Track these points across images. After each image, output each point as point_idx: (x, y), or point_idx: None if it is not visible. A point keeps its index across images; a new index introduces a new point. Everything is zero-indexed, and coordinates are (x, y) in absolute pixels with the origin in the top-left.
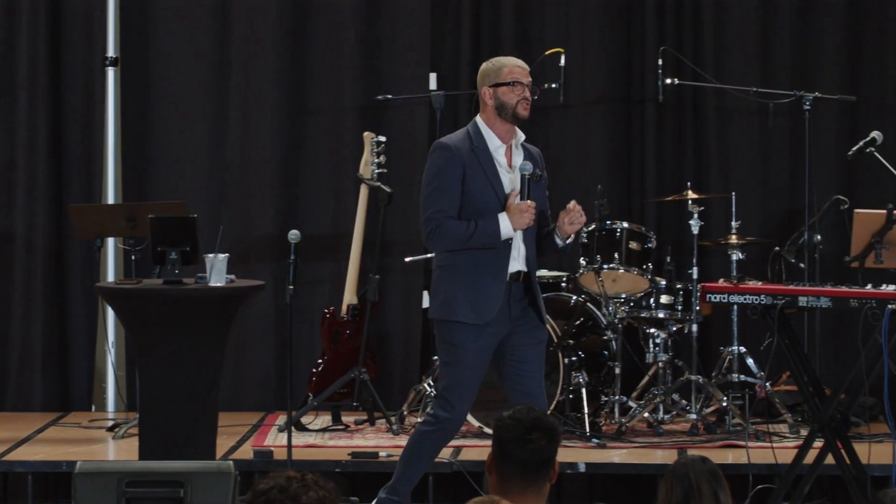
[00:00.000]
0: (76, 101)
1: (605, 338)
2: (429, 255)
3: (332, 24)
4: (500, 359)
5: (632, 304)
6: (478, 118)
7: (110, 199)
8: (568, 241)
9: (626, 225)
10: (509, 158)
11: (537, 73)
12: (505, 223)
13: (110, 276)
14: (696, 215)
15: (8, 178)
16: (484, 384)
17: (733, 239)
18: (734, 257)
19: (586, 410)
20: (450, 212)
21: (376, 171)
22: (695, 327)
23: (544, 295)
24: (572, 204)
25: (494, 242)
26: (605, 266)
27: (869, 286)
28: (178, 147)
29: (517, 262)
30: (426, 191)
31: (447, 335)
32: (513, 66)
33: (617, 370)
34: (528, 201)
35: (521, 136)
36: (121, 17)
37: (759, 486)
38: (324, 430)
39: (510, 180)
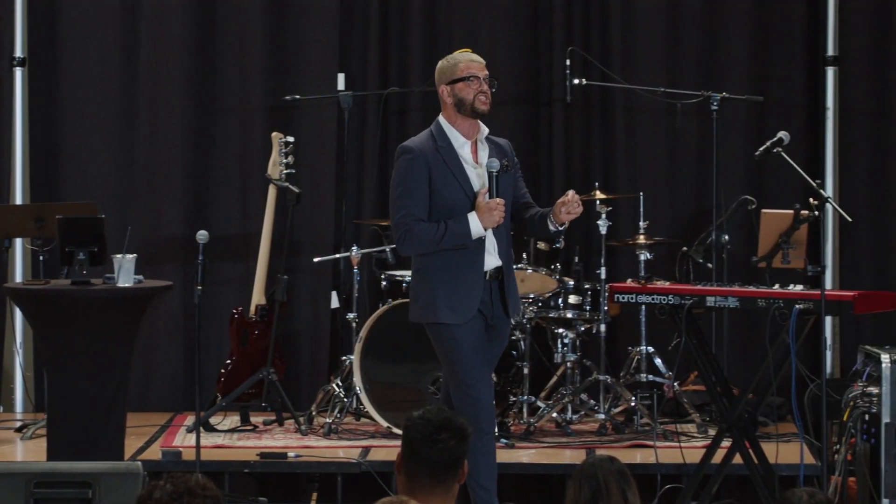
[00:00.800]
0: None
1: (513, 338)
2: (337, 256)
3: (240, 25)
4: None
5: (540, 304)
6: (440, 117)
7: (18, 200)
8: (562, 227)
9: None
10: (475, 154)
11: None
12: (475, 222)
13: (18, 277)
14: (603, 215)
15: None
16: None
17: (641, 239)
18: (642, 257)
19: (495, 411)
20: (418, 214)
21: (284, 171)
22: (603, 327)
23: None
24: (571, 195)
25: (466, 242)
26: (513, 266)
27: (776, 286)
28: (87, 148)
29: (493, 258)
30: (393, 195)
31: (437, 336)
32: (468, 61)
33: (525, 370)
34: (498, 199)
35: (486, 130)
36: (28, 18)
37: (667, 486)
38: (232, 430)
39: (478, 176)
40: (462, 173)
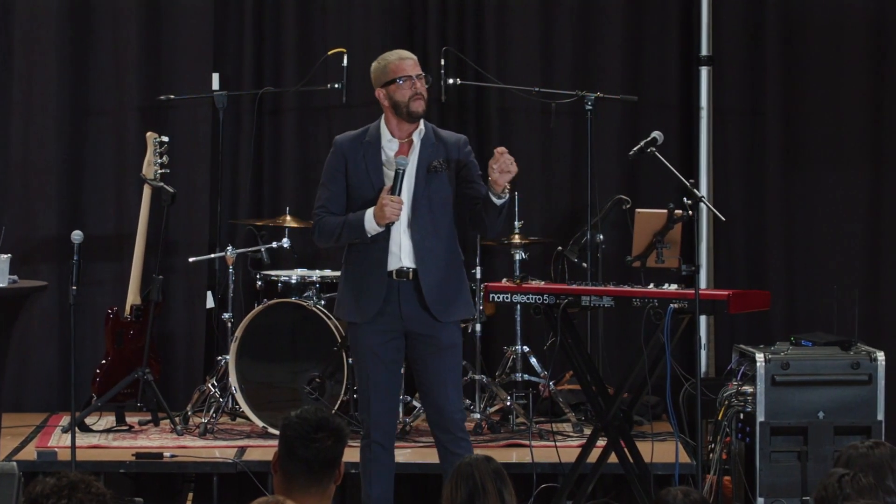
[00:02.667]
0: None
1: None
2: (212, 256)
3: (114, 24)
4: (411, 369)
5: None
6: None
7: None
8: (505, 195)
9: None
10: (406, 153)
11: (319, 74)
12: (369, 217)
13: None
14: None
15: None
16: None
17: (516, 238)
18: (517, 257)
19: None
20: (331, 207)
21: (159, 171)
22: (478, 327)
23: (328, 295)
24: (500, 150)
25: (363, 237)
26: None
27: (651, 286)
28: None
29: (399, 258)
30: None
31: (349, 334)
32: (398, 60)
33: (401, 369)
34: (394, 196)
35: (424, 129)
36: None
37: (543, 486)
38: (108, 430)
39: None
40: (376, 170)
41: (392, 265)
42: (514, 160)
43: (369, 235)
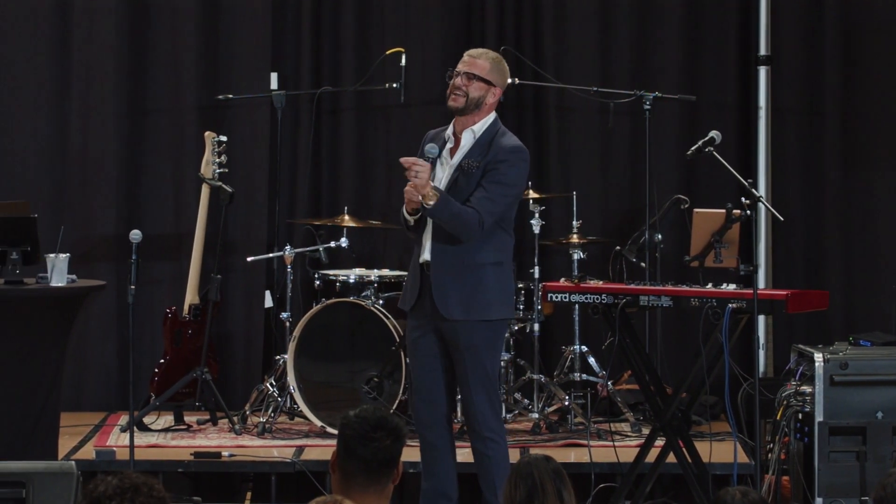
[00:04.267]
0: None
1: None
2: (270, 255)
3: (173, 24)
4: None
5: None
6: None
7: None
8: (428, 204)
9: None
10: (455, 150)
11: (377, 73)
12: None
13: None
14: (537, 215)
15: None
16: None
17: (574, 238)
18: (575, 256)
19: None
20: None
21: (217, 170)
22: (536, 326)
23: (387, 294)
24: (402, 161)
25: (406, 225)
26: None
27: (709, 285)
28: (19, 147)
29: (426, 251)
30: None
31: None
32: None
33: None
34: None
35: (484, 131)
36: None
37: (602, 485)
38: (166, 430)
39: (443, 171)
40: (436, 166)
41: (423, 257)
42: (419, 169)
43: (408, 224)
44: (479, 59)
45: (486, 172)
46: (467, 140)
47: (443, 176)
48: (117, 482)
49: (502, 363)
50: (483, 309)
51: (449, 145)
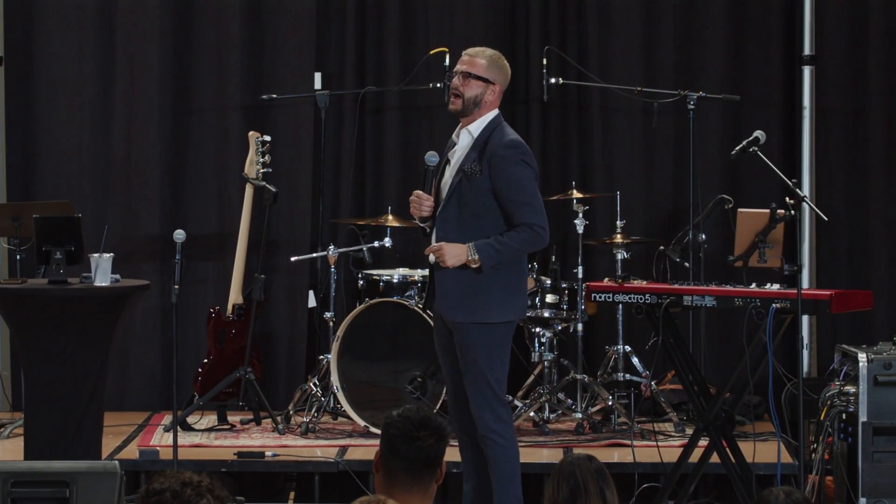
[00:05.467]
0: None
1: None
2: (314, 255)
3: (216, 24)
4: None
5: None
6: None
7: None
8: (474, 264)
9: None
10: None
11: (421, 73)
12: None
13: None
14: (580, 214)
15: None
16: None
17: (618, 238)
18: (619, 256)
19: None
20: None
21: (261, 170)
22: (580, 326)
23: None
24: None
25: (423, 232)
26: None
27: (753, 285)
28: (63, 146)
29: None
30: None
31: None
32: None
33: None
34: (420, 192)
35: (479, 131)
36: (4, 15)
37: (645, 485)
38: (210, 429)
39: (448, 174)
40: (441, 168)
41: (431, 258)
42: (442, 256)
43: (424, 231)
44: (475, 58)
45: (492, 181)
46: (465, 141)
47: (449, 179)
48: (178, 480)
49: (546, 363)
50: (481, 312)
51: (452, 145)
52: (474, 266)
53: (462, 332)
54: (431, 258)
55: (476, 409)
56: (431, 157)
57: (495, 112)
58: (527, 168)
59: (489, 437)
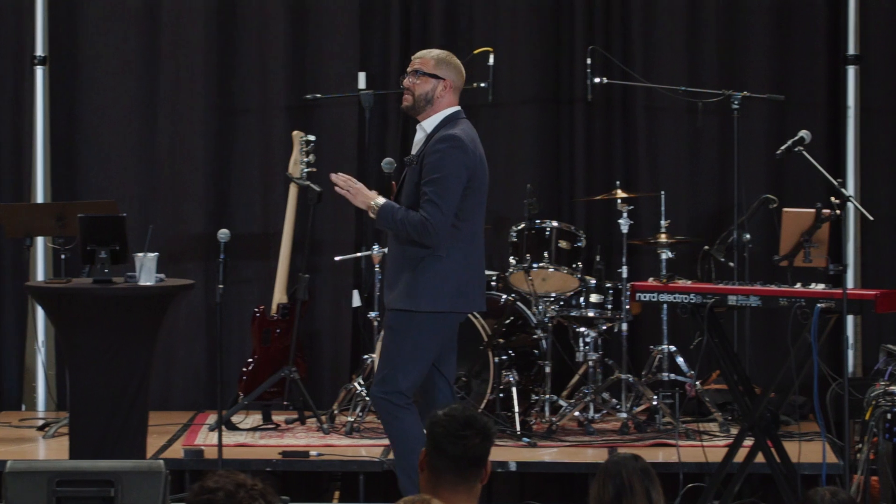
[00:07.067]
0: (5, 100)
1: (535, 336)
2: (358, 255)
3: (260, 24)
4: None
5: (562, 302)
6: None
7: (39, 198)
8: (371, 215)
9: (555, 224)
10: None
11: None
12: None
13: (40, 276)
14: (625, 214)
15: None
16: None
17: (662, 238)
18: (663, 256)
19: (517, 409)
20: None
21: (306, 170)
22: (625, 326)
23: None
24: (331, 177)
25: None
26: (535, 265)
27: (798, 285)
28: (108, 146)
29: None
30: None
31: None
32: None
33: (547, 369)
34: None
35: (429, 123)
36: (49, 16)
37: (690, 485)
38: (254, 429)
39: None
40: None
41: (334, 179)
42: (346, 180)
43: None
44: (423, 58)
45: (422, 170)
46: (419, 137)
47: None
48: (235, 482)
49: (590, 362)
50: (408, 299)
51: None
52: (371, 216)
53: (390, 315)
54: (338, 185)
55: (375, 377)
56: (386, 164)
57: (453, 109)
58: (457, 166)
59: (376, 399)
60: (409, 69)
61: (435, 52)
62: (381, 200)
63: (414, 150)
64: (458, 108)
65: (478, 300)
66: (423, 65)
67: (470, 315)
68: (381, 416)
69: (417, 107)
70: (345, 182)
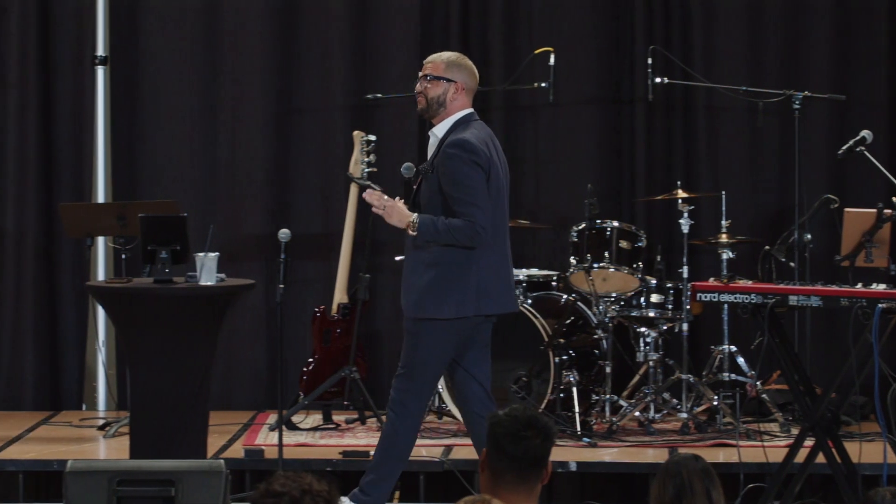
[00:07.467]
0: (66, 100)
1: (595, 337)
2: None
3: (321, 24)
4: None
5: (622, 302)
6: None
7: (100, 198)
8: (412, 232)
9: (616, 224)
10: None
11: (525, 72)
12: None
13: (101, 275)
14: (686, 214)
15: None
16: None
17: (723, 238)
18: (724, 256)
19: (577, 409)
20: None
21: (366, 170)
22: (685, 326)
23: (535, 294)
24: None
25: None
26: (596, 265)
27: (859, 285)
28: (169, 146)
29: None
30: None
31: None
32: None
33: (608, 369)
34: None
35: (440, 128)
36: (110, 17)
37: (750, 485)
38: (315, 428)
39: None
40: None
41: (368, 199)
42: (379, 198)
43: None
44: (433, 61)
45: (440, 179)
46: (432, 143)
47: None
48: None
49: (651, 362)
50: (426, 306)
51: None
52: (412, 234)
53: (407, 323)
54: (373, 204)
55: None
56: (406, 170)
57: (465, 112)
58: (473, 168)
59: (388, 415)
60: (420, 73)
61: (446, 54)
62: (417, 215)
63: (428, 157)
64: (470, 110)
65: (502, 301)
66: (434, 68)
67: (530, 315)
68: (388, 414)
69: (431, 110)
70: (379, 200)
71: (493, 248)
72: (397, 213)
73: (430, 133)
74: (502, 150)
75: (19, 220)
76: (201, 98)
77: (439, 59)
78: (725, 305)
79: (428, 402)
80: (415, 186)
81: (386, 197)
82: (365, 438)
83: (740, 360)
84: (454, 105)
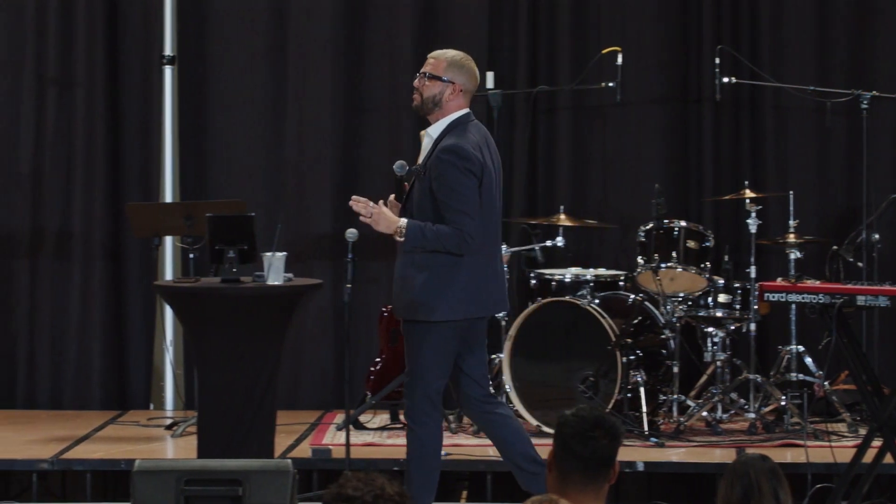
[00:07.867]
0: (134, 100)
1: (662, 336)
2: None
3: (388, 23)
4: None
5: (689, 302)
6: None
7: (168, 198)
8: (398, 238)
9: (683, 224)
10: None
11: (593, 72)
12: None
13: (168, 275)
14: (753, 214)
15: (66, 177)
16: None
17: (791, 238)
18: (792, 256)
19: (644, 409)
20: None
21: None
22: (753, 326)
23: (603, 294)
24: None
25: None
26: (663, 265)
27: None
28: (236, 145)
29: None
30: None
31: None
32: None
33: (675, 369)
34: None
35: (435, 128)
36: (178, 16)
37: (818, 486)
38: (382, 428)
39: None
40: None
41: (356, 208)
42: (365, 205)
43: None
44: (436, 59)
45: (432, 181)
46: (426, 143)
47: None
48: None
49: (718, 362)
50: (420, 308)
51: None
52: (399, 240)
53: (404, 327)
54: (360, 213)
55: (405, 397)
56: (398, 168)
57: (461, 113)
58: (466, 175)
59: (409, 426)
60: (421, 70)
61: (450, 53)
62: (405, 221)
63: (421, 158)
64: (466, 111)
65: (492, 302)
66: (435, 67)
67: (597, 315)
68: (407, 425)
69: (425, 108)
70: (365, 208)
71: (483, 251)
72: (384, 219)
73: (424, 133)
74: (498, 152)
75: (87, 221)
76: (268, 97)
77: (442, 58)
78: (793, 305)
79: (441, 403)
80: (407, 186)
81: (372, 204)
82: None
83: (808, 360)
84: (450, 106)
